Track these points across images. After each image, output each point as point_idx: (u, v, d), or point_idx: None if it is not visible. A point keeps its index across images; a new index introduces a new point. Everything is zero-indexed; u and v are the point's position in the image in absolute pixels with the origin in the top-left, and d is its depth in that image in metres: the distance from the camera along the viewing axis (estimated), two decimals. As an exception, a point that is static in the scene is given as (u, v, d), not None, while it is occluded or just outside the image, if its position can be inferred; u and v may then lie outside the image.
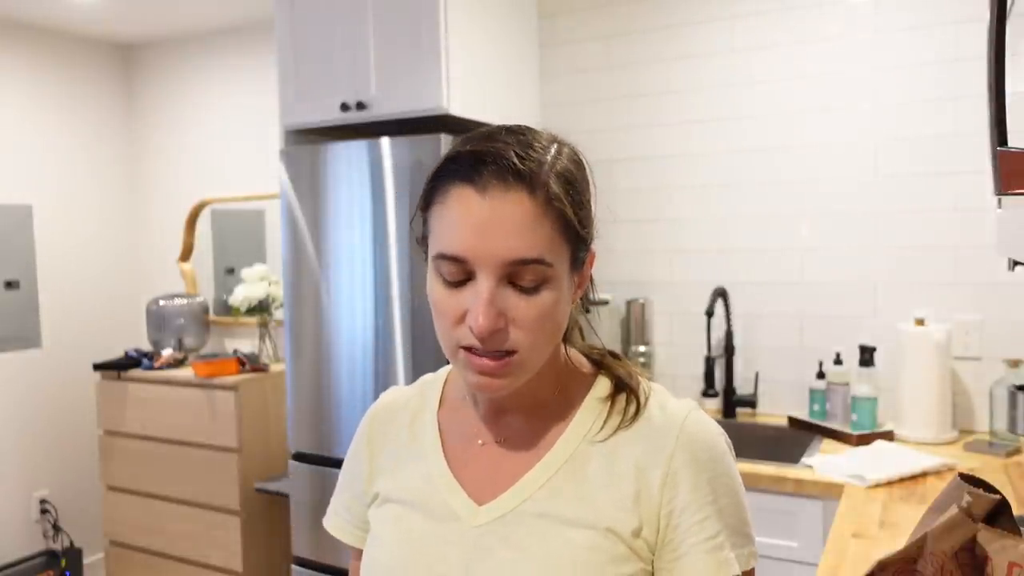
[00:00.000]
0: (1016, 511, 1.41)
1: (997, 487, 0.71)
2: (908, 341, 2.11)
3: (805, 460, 1.96)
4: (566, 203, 0.71)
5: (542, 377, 0.78)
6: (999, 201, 1.08)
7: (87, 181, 3.56)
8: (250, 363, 2.95)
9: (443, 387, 0.89)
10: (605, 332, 2.53)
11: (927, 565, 0.71)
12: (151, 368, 3.07)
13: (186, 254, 3.50)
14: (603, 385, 0.81)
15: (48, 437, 3.40)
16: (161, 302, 3.21)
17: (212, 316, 3.40)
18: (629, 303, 2.57)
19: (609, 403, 0.79)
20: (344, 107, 2.34)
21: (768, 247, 2.42)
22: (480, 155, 0.70)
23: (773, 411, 2.44)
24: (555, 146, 0.74)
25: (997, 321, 2.14)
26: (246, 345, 3.34)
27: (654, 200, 2.57)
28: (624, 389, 0.80)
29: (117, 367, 3.08)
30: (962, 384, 2.19)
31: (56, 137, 3.43)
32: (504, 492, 0.77)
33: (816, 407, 2.28)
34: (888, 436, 2.13)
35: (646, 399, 0.79)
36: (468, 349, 0.72)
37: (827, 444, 2.14)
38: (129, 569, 3.14)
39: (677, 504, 0.73)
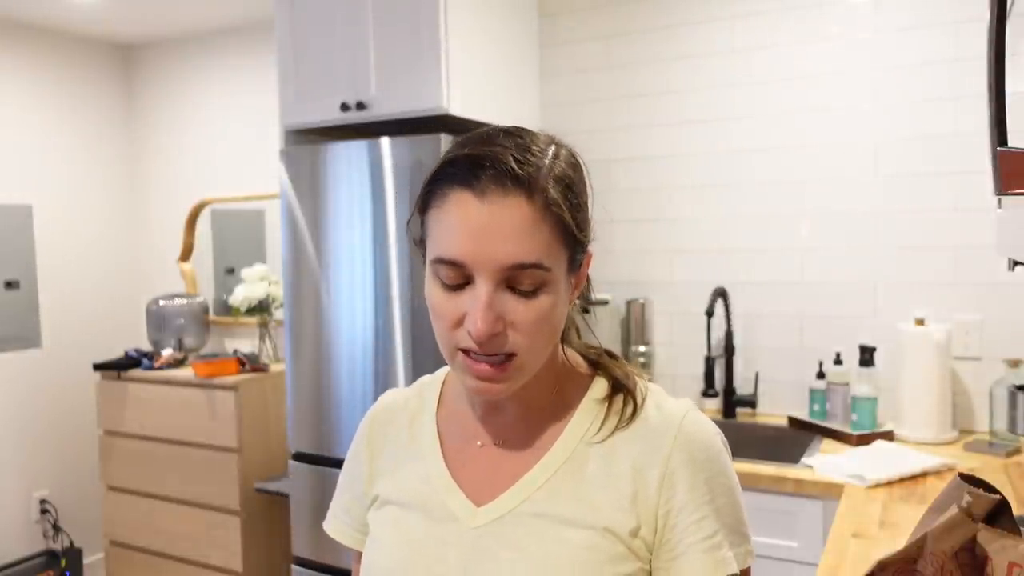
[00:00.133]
0: (1016, 511, 1.41)
1: (997, 487, 0.71)
2: (908, 341, 2.11)
3: (805, 460, 1.96)
4: (564, 207, 0.71)
5: (539, 378, 0.78)
6: (999, 201, 1.08)
7: (87, 181, 3.56)
8: (250, 363, 2.95)
9: (441, 388, 0.89)
10: (605, 332, 2.53)
11: (927, 565, 0.71)
12: (151, 368, 3.07)
13: (186, 254, 3.50)
14: (600, 386, 0.81)
15: (48, 437, 3.40)
16: (161, 302, 3.21)
17: (212, 316, 3.40)
18: (629, 303, 2.57)
19: (606, 404, 0.80)
20: (344, 107, 2.34)
21: (768, 247, 2.42)
22: (478, 159, 0.70)
23: (773, 411, 2.44)
24: (553, 149, 0.74)
25: (997, 321, 2.14)
26: (246, 345, 3.34)
27: (654, 200, 2.57)
28: (621, 390, 0.80)
29: (117, 367, 3.08)
30: (962, 384, 2.19)
31: (56, 137, 3.44)
32: (503, 493, 0.77)
33: (816, 407, 2.28)
34: (888, 436, 2.13)
35: (643, 399, 0.79)
36: (466, 352, 0.72)
37: (827, 444, 2.14)
38: (129, 569, 3.14)
39: (674, 504, 0.73)
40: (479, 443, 0.82)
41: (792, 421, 2.32)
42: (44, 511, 3.34)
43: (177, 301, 3.22)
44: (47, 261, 3.39)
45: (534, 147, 0.72)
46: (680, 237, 2.54)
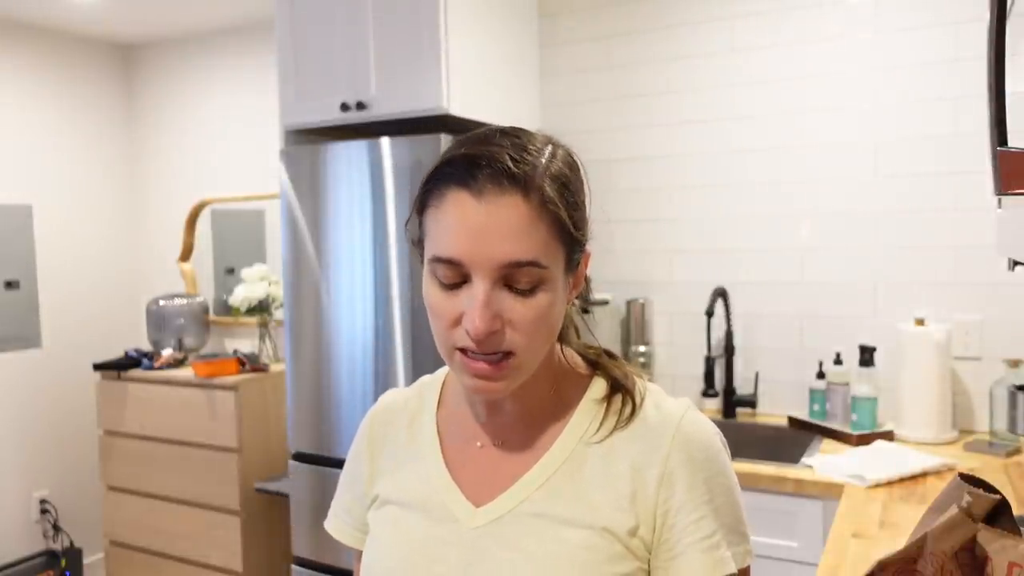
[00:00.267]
0: (1016, 511, 1.41)
1: (997, 487, 0.71)
2: (908, 341, 2.11)
3: (805, 460, 1.96)
4: (560, 206, 0.71)
5: (538, 378, 0.78)
6: (999, 201, 1.07)
7: (87, 181, 3.56)
8: (250, 363, 2.95)
9: (441, 389, 0.89)
10: (605, 332, 2.53)
11: (927, 565, 0.71)
12: (151, 368, 3.07)
13: (186, 254, 3.50)
14: (599, 386, 0.82)
15: (48, 437, 3.40)
16: (161, 302, 3.21)
17: (212, 316, 3.40)
18: (629, 303, 2.57)
19: (605, 404, 0.80)
20: (344, 107, 2.34)
21: (768, 247, 2.42)
22: (475, 158, 0.70)
23: (773, 411, 2.44)
24: (549, 148, 0.74)
25: (997, 321, 2.14)
26: (246, 345, 3.34)
27: (654, 200, 2.57)
28: (620, 390, 0.80)
29: (117, 367, 3.08)
30: (962, 384, 2.19)
31: (56, 137, 3.44)
32: (502, 493, 0.77)
33: (816, 407, 2.28)
34: (888, 436, 2.13)
35: (642, 399, 0.79)
36: (464, 351, 0.72)
37: (827, 444, 2.13)
38: (129, 569, 3.14)
39: (673, 503, 0.73)
40: (479, 444, 0.82)
41: (792, 421, 2.32)
42: (44, 511, 3.35)
43: (177, 301, 3.22)
44: (47, 261, 3.39)
45: (531, 146, 0.73)
46: (680, 237, 2.54)
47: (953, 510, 0.71)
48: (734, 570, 0.74)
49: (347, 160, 2.29)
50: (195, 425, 2.90)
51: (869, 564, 0.75)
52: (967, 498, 0.70)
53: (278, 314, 3.17)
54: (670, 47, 2.52)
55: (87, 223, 3.56)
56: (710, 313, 2.36)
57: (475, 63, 2.35)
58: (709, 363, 2.41)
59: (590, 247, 0.79)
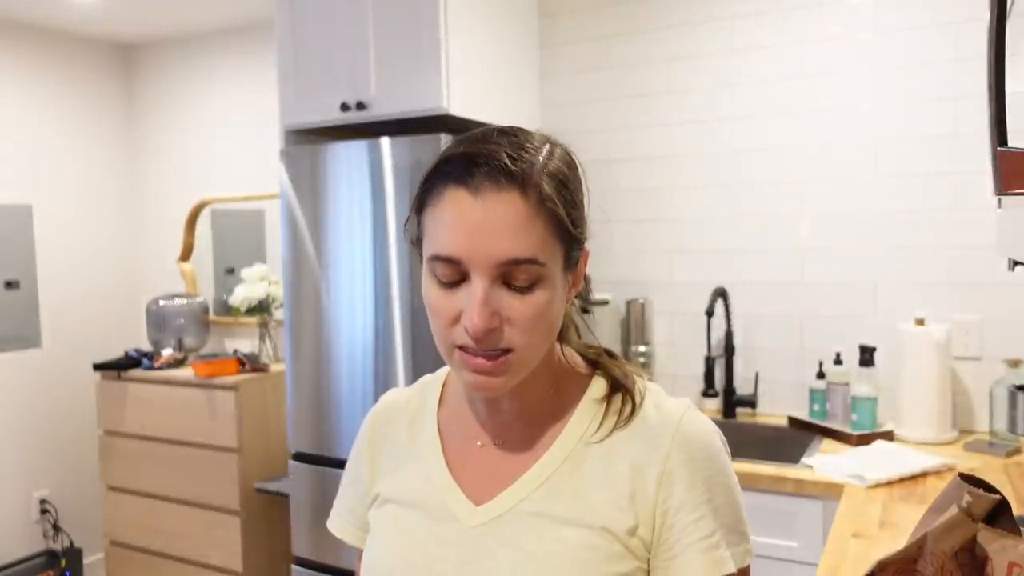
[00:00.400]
0: (1016, 511, 1.41)
1: (997, 487, 0.71)
2: (908, 341, 2.11)
3: (805, 460, 1.96)
4: (558, 203, 0.71)
5: (537, 377, 0.78)
6: (999, 201, 1.07)
7: (87, 181, 3.56)
8: (250, 363, 2.95)
9: (442, 388, 0.89)
10: (605, 332, 2.53)
11: (927, 565, 0.71)
12: (151, 368, 3.07)
13: (186, 254, 3.50)
14: (599, 386, 0.82)
15: (48, 437, 3.40)
16: (161, 302, 3.21)
17: (212, 316, 3.40)
18: (629, 303, 2.57)
19: (605, 404, 0.80)
20: (344, 107, 2.34)
21: (768, 247, 2.42)
22: (473, 157, 0.70)
23: (773, 411, 2.44)
24: (547, 147, 0.74)
25: (997, 321, 2.14)
26: (246, 345, 3.34)
27: (654, 200, 2.57)
28: (620, 389, 0.80)
29: (117, 367, 3.08)
30: (962, 384, 2.19)
31: (56, 137, 3.44)
32: (502, 492, 0.78)
33: (816, 407, 2.28)
34: (888, 436, 2.12)
35: (641, 399, 0.79)
36: (463, 349, 0.72)
37: (827, 444, 2.13)
38: (129, 569, 3.14)
39: (673, 503, 0.74)
40: (479, 443, 0.82)
41: (792, 421, 2.32)
42: (44, 511, 3.34)
43: (177, 301, 3.22)
44: (47, 261, 3.39)
45: (528, 145, 0.73)
46: (680, 237, 2.54)
47: (953, 510, 0.71)
48: (733, 570, 0.74)
49: (347, 160, 2.29)
50: (195, 425, 2.90)
51: (869, 564, 0.75)
52: (967, 498, 0.71)
53: (278, 314, 3.17)
54: (670, 47, 2.52)
55: (87, 223, 3.56)
56: (710, 313, 2.36)
57: (475, 63, 2.35)
58: (709, 363, 2.41)
59: (589, 246, 0.79)
